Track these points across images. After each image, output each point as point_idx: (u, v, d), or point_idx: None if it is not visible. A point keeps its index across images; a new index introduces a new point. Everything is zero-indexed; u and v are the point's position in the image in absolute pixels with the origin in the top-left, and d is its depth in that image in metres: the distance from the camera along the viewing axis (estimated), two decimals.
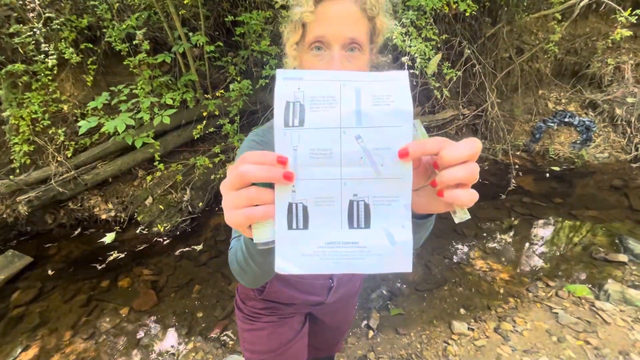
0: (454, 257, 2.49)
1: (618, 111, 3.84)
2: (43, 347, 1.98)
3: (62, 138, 2.65)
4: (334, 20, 0.54)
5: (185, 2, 2.44)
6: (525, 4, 3.57)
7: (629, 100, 3.84)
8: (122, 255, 2.70)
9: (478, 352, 1.69)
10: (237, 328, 0.98)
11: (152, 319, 2.12)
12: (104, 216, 2.94)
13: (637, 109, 3.76)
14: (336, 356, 1.76)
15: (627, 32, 3.50)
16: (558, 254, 2.47)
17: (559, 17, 3.53)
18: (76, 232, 2.99)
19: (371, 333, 1.89)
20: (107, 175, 2.88)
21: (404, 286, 2.25)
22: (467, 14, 2.83)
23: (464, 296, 2.14)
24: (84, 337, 2.03)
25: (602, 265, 2.30)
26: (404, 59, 2.36)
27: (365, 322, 1.97)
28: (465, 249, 2.59)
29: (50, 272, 2.57)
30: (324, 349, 1.17)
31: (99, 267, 2.59)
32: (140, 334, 2.02)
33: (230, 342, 1.92)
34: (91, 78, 2.77)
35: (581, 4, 3.45)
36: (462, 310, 2.02)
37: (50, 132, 2.67)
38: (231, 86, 2.48)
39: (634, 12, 3.46)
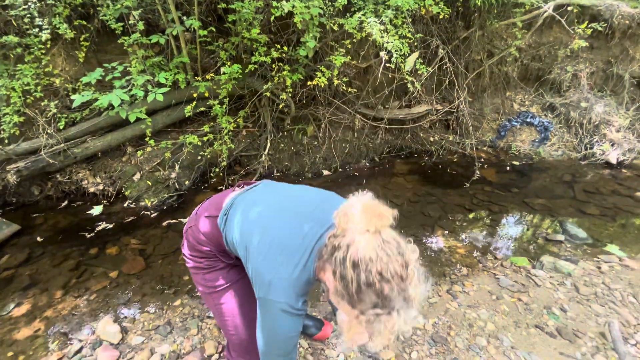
0: (419, 234, 2.79)
1: (573, 114, 4.26)
2: (35, 303, 2.11)
3: (53, 110, 2.73)
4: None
5: None
6: (495, 11, 3.90)
7: (583, 104, 4.27)
8: (110, 226, 2.83)
9: (430, 307, 1.98)
10: (194, 279, 1.13)
11: (141, 281, 2.30)
12: (92, 189, 3.05)
13: (589, 113, 4.20)
14: (309, 311, 2.00)
15: (583, 43, 3.89)
16: (508, 233, 2.82)
17: (520, 25, 3.88)
18: (63, 205, 3.08)
19: None
20: (96, 150, 2.98)
21: None
22: (441, 17, 3.11)
23: (425, 266, 2.42)
24: (75, 295, 2.18)
25: (542, 243, 2.66)
26: (382, 53, 2.61)
27: None
28: (430, 228, 2.89)
29: (38, 239, 2.68)
30: None
31: (87, 236, 2.72)
32: (130, 293, 2.19)
33: None
34: (83, 54, 2.85)
35: (543, 15, 3.81)
36: None
37: (42, 104, 2.75)
38: (222, 69, 2.64)
39: (589, 25, 3.87)
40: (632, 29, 4.23)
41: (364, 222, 0.66)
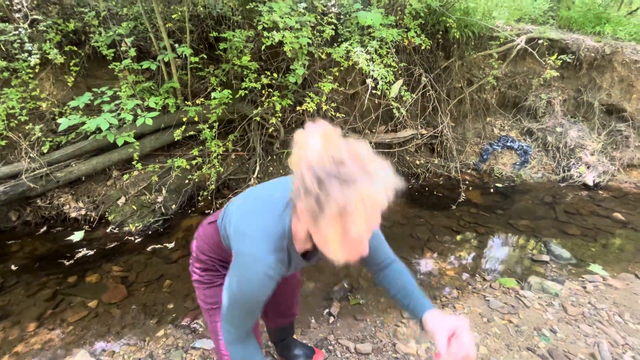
0: (409, 257, 2.79)
1: (549, 138, 4.48)
2: (5, 337, 1.98)
3: (38, 134, 2.69)
4: (371, 227, 0.67)
5: (173, 16, 2.66)
6: (473, 43, 4.16)
7: (558, 129, 4.50)
8: (91, 253, 2.72)
9: (422, 332, 1.94)
10: (196, 294, 1.12)
11: (122, 310, 2.19)
12: (73, 214, 2.95)
13: (564, 137, 4.42)
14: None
15: (555, 73, 4.17)
16: (495, 254, 2.86)
17: (496, 56, 4.15)
18: (42, 230, 2.96)
19: (332, 319, 2.10)
20: (80, 174, 2.92)
21: (364, 281, 2.49)
22: (423, 48, 3.29)
23: None
24: (50, 327, 2.05)
25: (529, 263, 2.70)
26: (368, 81, 2.72)
27: (327, 310, 2.18)
28: (419, 250, 2.90)
29: (12, 268, 2.54)
30: (284, 313, 1.35)
31: (66, 264, 2.60)
32: (110, 324, 2.08)
33: (200, 329, 2.04)
34: (72, 79, 2.86)
35: (516, 48, 4.09)
36: None
37: (26, 127, 2.71)
38: (213, 94, 2.69)
39: (559, 57, 4.16)
40: (597, 60, 4.57)
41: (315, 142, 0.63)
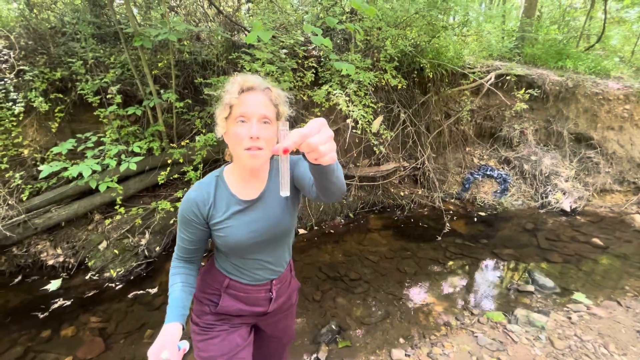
0: (397, 293, 2.77)
1: (526, 166, 4.67)
2: None
3: (18, 181, 2.65)
4: (251, 104, 0.88)
5: (159, 65, 2.76)
6: (447, 80, 4.43)
7: (533, 158, 4.72)
8: (68, 303, 2.60)
9: None
10: (192, 342, 1.11)
11: None
12: (50, 262, 2.85)
13: (539, 165, 4.62)
14: None
15: (524, 105, 4.44)
16: (482, 286, 2.87)
17: (468, 93, 4.42)
18: (16, 280, 2.83)
19: None
20: (60, 219, 2.86)
21: (352, 321, 2.45)
22: (399, 87, 3.48)
23: (404, 327, 2.39)
24: None
25: (515, 294, 2.72)
26: (349, 120, 2.84)
27: (314, 355, 2.12)
28: (407, 285, 2.89)
29: None
30: None
31: (40, 317, 2.47)
32: None
33: None
34: (57, 125, 2.88)
35: (489, 82, 4.37)
36: (401, 340, 2.25)
37: (6, 175, 2.67)
38: (197, 137, 2.74)
39: (526, 91, 4.45)
40: (562, 93, 4.91)
41: None
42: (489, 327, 2.29)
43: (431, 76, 3.85)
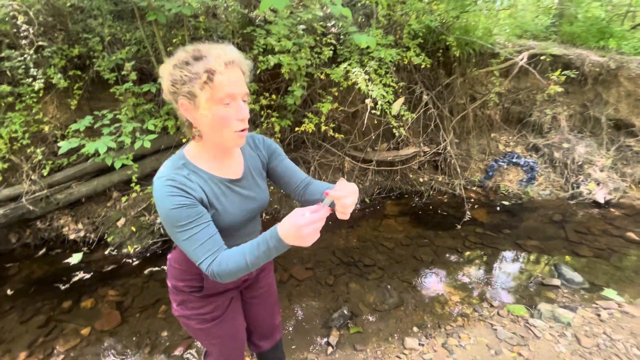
0: (412, 280, 2.69)
1: (556, 154, 4.38)
2: None
3: (39, 157, 2.71)
4: (236, 82, 0.81)
5: (174, 41, 2.70)
6: (474, 60, 4.15)
7: (565, 145, 4.41)
8: (88, 276, 2.68)
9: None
10: (183, 324, 1.10)
11: (114, 339, 2.13)
12: (72, 236, 2.94)
13: (572, 153, 4.32)
14: None
15: (559, 88, 4.12)
16: (503, 278, 2.74)
17: (497, 74, 4.12)
18: (40, 252, 2.94)
19: (330, 349, 2.00)
20: (80, 195, 2.92)
21: (364, 307, 2.40)
22: (423, 66, 3.28)
23: (418, 316, 2.31)
24: (39, 357, 2.00)
25: (539, 288, 2.57)
26: (367, 100, 2.70)
27: (325, 339, 2.08)
28: (422, 273, 2.80)
29: (8, 292, 2.51)
30: (265, 335, 1.33)
31: (62, 288, 2.56)
32: (100, 354, 2.01)
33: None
34: (76, 102, 2.91)
35: (520, 63, 4.06)
36: (415, 329, 2.18)
37: (28, 150, 2.73)
38: None
39: (562, 73, 4.12)
40: (602, 75, 4.51)
41: None
42: (509, 321, 2.17)
43: (458, 55, 3.61)
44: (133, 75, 2.62)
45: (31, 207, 2.67)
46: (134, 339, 2.12)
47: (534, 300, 2.42)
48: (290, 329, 2.19)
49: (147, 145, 2.39)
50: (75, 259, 2.84)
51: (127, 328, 2.22)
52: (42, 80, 2.69)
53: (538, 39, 5.19)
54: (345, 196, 0.79)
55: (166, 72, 0.82)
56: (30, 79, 2.68)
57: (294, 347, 2.04)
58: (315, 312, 2.34)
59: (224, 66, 0.78)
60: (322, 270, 2.79)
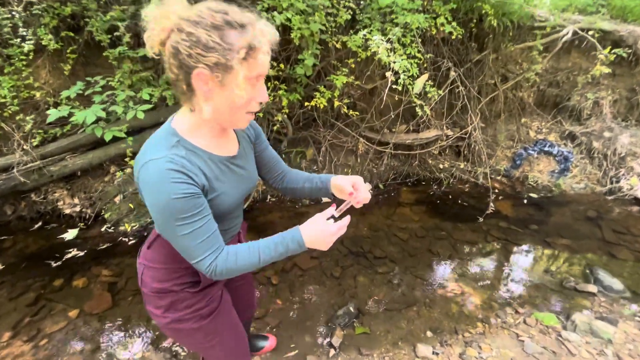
0: (426, 277, 2.44)
1: (595, 144, 3.94)
2: None
3: (29, 126, 2.53)
4: (267, 63, 0.74)
5: None
6: (511, 34, 3.68)
7: (606, 134, 3.95)
8: (82, 254, 2.55)
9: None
10: (174, 330, 1.00)
11: (102, 324, 1.99)
12: (67, 211, 2.80)
13: (613, 143, 3.87)
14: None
15: (606, 69, 3.63)
16: (530, 280, 2.45)
17: (540, 48, 3.65)
18: (36, 226, 2.83)
19: (332, 352, 1.80)
20: (75, 168, 2.76)
21: (373, 304, 2.18)
22: (454, 37, 2.88)
23: (433, 318, 2.08)
24: (24, 339, 1.88)
25: (571, 294, 2.28)
26: (388, 74, 2.36)
27: (327, 339, 1.89)
28: (439, 269, 2.54)
29: (0, 266, 2.41)
30: (243, 312, 1.31)
31: (55, 265, 2.44)
32: (86, 339, 1.88)
33: (183, 353, 1.80)
34: (69, 67, 2.68)
35: (564, 38, 3.58)
36: (428, 333, 1.95)
37: (17, 118, 2.55)
38: None
39: (612, 51, 3.61)
40: None
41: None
42: (537, 332, 1.91)
43: (494, 25, 3.17)
44: (127, 38, 2.36)
45: (22, 179, 2.52)
46: (122, 325, 1.98)
47: (566, 309, 2.14)
48: (290, 324, 2.00)
49: (140, 116, 2.15)
50: (70, 234, 2.71)
51: (118, 312, 2.08)
52: (32, 42, 2.47)
53: (584, 13, 4.60)
54: (365, 197, 0.93)
55: (176, 22, 0.66)
56: (19, 39, 2.45)
57: (292, 345, 1.85)
58: (319, 307, 2.14)
59: (268, 45, 0.71)
60: (329, 260, 2.57)
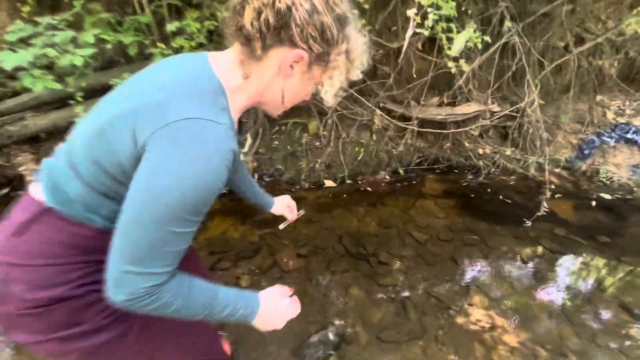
0: (444, 297, 1.81)
1: None
2: None
3: None
4: (351, 76, 0.71)
5: None
6: None
7: None
8: None
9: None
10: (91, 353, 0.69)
11: None
12: (30, 178, 2.49)
13: None
14: None
15: None
16: (597, 317, 1.73)
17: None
18: (2, 192, 2.57)
19: None
20: (38, 130, 2.41)
21: (363, 331, 1.61)
22: None
23: None
24: None
25: None
26: (410, 12, 1.66)
27: None
28: (462, 288, 1.89)
29: None
30: None
31: None
32: None
33: None
34: (29, 8, 2.28)
35: None
36: None
37: None
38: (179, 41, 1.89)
39: None
40: None
41: None
42: None
43: None
44: None
45: None
46: None
47: None
48: (249, 346, 1.51)
49: (78, 62, 1.69)
50: None
51: None
52: None
53: None
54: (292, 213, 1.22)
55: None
56: None
57: None
58: (290, 326, 1.61)
59: (360, 62, 0.67)
60: (319, 260, 2.03)
